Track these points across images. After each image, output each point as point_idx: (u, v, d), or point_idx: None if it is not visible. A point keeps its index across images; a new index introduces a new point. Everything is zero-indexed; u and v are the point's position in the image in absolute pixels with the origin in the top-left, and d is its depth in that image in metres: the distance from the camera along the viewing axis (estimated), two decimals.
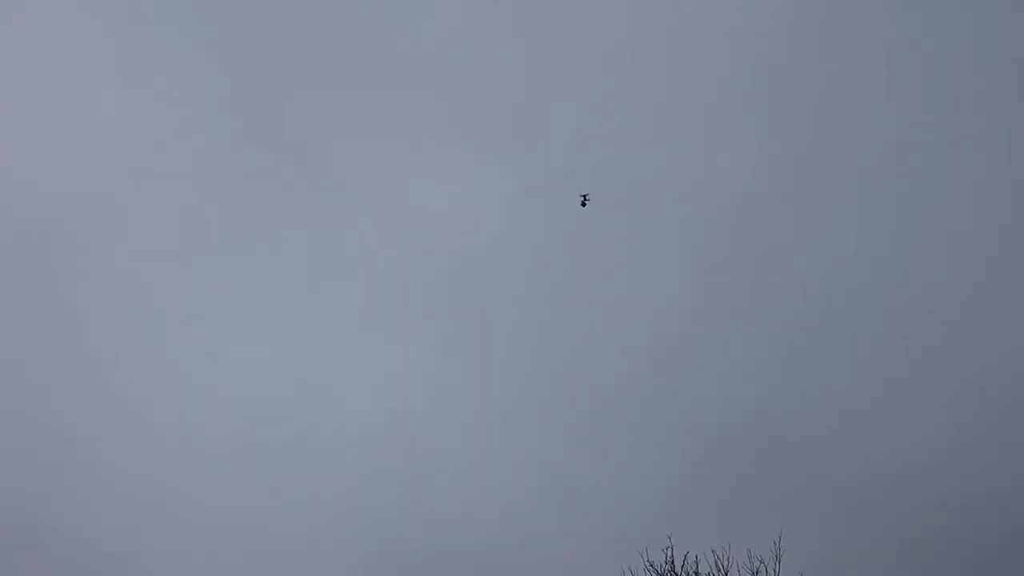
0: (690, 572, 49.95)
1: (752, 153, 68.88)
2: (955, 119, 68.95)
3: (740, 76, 69.54)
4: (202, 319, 66.44)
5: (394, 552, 60.23)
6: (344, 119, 69.47)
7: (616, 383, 64.69)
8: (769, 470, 62.58)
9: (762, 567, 49.93)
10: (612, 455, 63.77)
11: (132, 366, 64.97)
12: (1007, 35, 69.61)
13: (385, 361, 65.32)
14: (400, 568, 60.17)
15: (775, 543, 51.07)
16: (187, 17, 69.11)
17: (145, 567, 60.29)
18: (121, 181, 68.48)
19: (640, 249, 67.67)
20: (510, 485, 62.94)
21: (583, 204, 62.00)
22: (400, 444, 63.83)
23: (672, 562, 49.83)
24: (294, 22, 70.01)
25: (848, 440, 63.39)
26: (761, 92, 69.41)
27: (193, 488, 62.66)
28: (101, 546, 60.49)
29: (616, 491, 62.55)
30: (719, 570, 49.75)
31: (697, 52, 69.86)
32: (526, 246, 68.08)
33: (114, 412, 63.85)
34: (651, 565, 49.62)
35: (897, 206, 67.98)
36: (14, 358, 65.22)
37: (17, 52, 69.66)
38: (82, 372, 64.47)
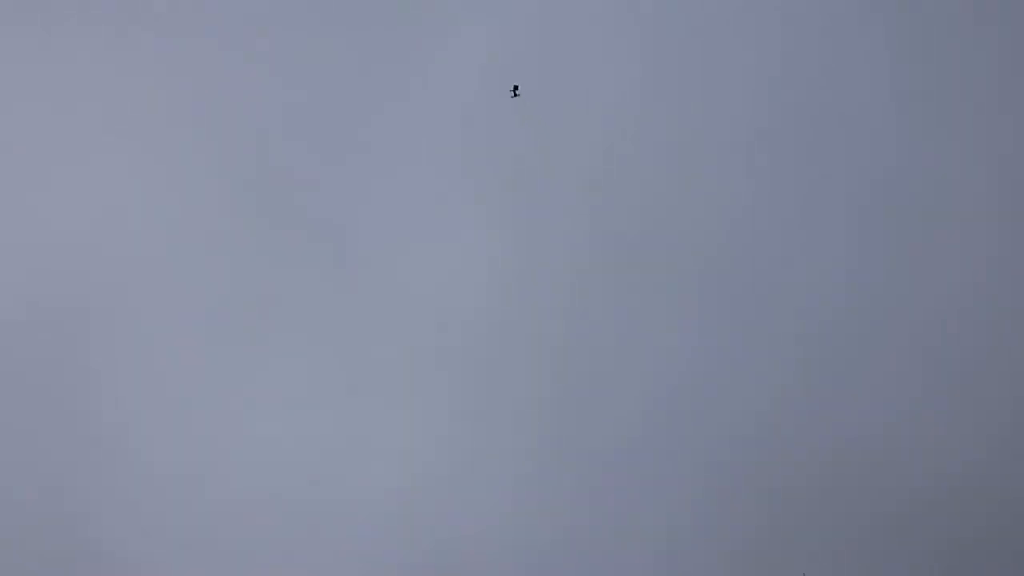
0: None
1: (755, 184, 68.46)
2: (958, 133, 68.65)
3: (743, 114, 69.33)
4: (214, 394, 66.20)
5: None
6: (350, 190, 69.80)
7: (629, 427, 64.08)
8: (795, 505, 61.88)
9: None
10: (631, 502, 63.08)
11: (149, 443, 64.70)
12: (1008, 51, 69.45)
13: (395, 428, 65.02)
14: None
15: None
16: (194, 90, 69.69)
17: None
18: (132, 259, 68.60)
19: (646, 289, 67.14)
20: (525, 538, 62.62)
21: (514, 95, 60.79)
22: (416, 508, 63.43)
23: None
24: (302, 95, 70.65)
25: (876, 465, 62.63)
26: (764, 124, 69.14)
27: (213, 564, 62.31)
28: None
29: (638, 539, 61.90)
30: None
31: (699, 89, 69.74)
32: (530, 298, 67.76)
33: (133, 491, 63.56)
34: None
35: (907, 223, 67.43)
36: (28, 440, 65.07)
37: (18, 132, 70.13)
38: (97, 450, 64.26)
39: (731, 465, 62.20)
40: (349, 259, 68.24)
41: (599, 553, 61.45)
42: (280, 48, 71.45)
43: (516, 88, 59.28)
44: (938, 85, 69.24)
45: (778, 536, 60.58)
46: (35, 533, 62.38)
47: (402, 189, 69.04)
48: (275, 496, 63.43)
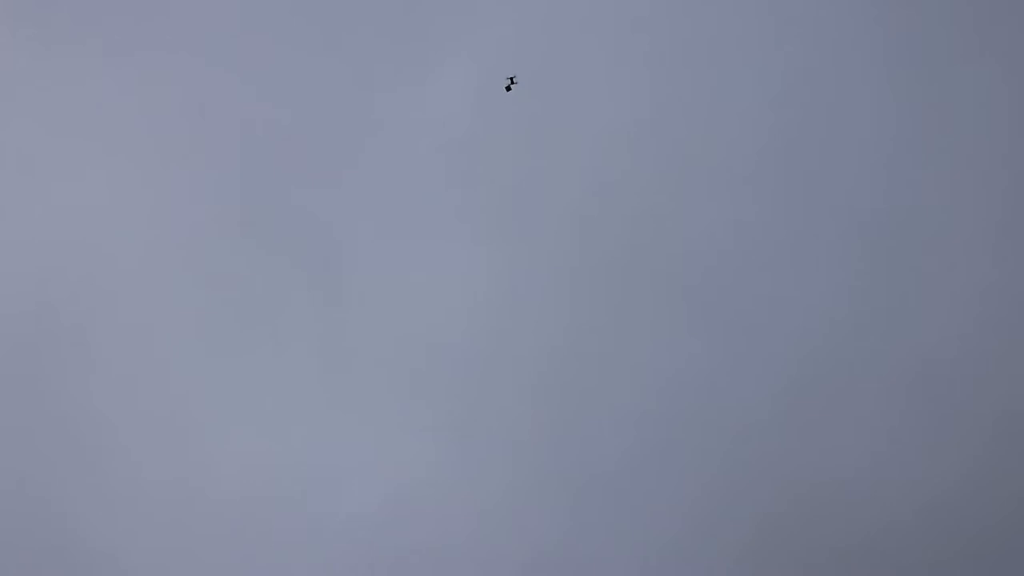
0: None
1: (747, 214, 68.88)
2: (949, 176, 69.49)
3: (742, 130, 69.79)
4: (196, 411, 65.60)
5: None
6: (342, 203, 69.59)
7: (615, 451, 63.85)
8: (779, 533, 61.84)
9: None
10: (616, 526, 62.84)
11: (136, 454, 63.96)
12: (1003, 93, 70.55)
13: (382, 448, 64.61)
14: None
15: None
16: (180, 105, 69.31)
17: None
18: (113, 270, 68.04)
19: (635, 313, 67.13)
20: (516, 555, 62.04)
21: (508, 88, 60.22)
22: (401, 529, 62.98)
23: None
24: (296, 107, 70.43)
25: (856, 495, 62.58)
26: (758, 152, 69.68)
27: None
28: None
29: (630, 557, 61.67)
30: None
31: (699, 103, 70.24)
32: (524, 314, 67.58)
33: (118, 504, 62.74)
34: None
35: (894, 261, 67.97)
36: (15, 448, 64.12)
37: (9, 144, 69.55)
38: (82, 464, 63.37)
39: (730, 476, 62.14)
40: (346, 272, 67.84)
41: (589, 571, 61.11)
42: (274, 61, 71.36)
43: (512, 80, 59.28)
44: (942, 107, 69.81)
45: (779, 543, 60.55)
46: (19, 542, 61.36)
47: (394, 203, 68.75)
48: (263, 510, 62.68)
